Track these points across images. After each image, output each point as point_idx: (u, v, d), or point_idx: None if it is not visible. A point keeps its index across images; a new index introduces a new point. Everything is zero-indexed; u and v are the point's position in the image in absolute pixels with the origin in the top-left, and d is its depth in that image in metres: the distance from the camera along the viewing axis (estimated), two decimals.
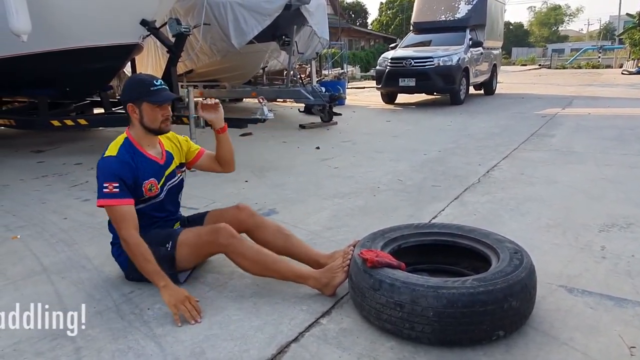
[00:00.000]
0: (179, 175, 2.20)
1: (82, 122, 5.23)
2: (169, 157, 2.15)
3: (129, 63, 6.76)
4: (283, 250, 2.11)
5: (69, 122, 5.16)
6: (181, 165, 2.22)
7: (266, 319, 1.78)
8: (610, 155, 4.48)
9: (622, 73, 19.97)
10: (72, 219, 3.00)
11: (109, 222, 2.10)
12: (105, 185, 1.88)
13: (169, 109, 2.05)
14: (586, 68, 28.03)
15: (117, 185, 1.89)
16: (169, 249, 1.99)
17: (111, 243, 2.15)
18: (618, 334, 1.64)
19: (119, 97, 7.79)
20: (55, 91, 5.54)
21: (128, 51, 5.21)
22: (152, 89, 1.97)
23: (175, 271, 2.02)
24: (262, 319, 1.78)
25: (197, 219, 2.24)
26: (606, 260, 2.23)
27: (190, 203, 3.23)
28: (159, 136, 2.11)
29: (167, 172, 2.12)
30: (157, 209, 2.12)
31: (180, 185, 2.23)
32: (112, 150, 1.97)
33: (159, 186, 2.07)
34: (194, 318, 1.76)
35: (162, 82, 2.02)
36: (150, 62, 8.38)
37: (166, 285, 1.83)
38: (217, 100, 2.16)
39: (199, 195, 3.45)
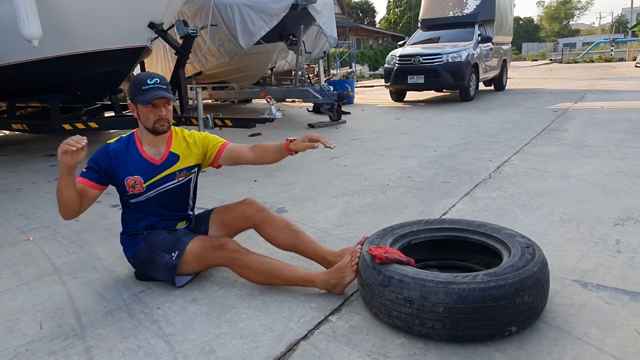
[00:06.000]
0: (181, 178, 2.10)
1: (93, 125, 5.28)
2: (171, 159, 2.06)
3: (139, 66, 6.82)
4: (291, 246, 2.09)
5: (80, 126, 5.21)
6: (189, 168, 2.12)
7: (275, 317, 1.77)
8: (624, 148, 4.40)
9: (636, 66, 19.61)
10: (83, 221, 3.02)
11: (122, 215, 2.14)
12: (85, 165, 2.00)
13: (163, 109, 1.96)
14: (599, 62, 27.60)
15: (86, 167, 2.00)
16: (174, 258, 1.97)
17: (121, 233, 2.16)
18: (634, 329, 1.60)
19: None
20: (66, 96, 5.61)
21: (137, 54, 5.25)
22: (143, 87, 1.93)
23: (173, 278, 2.01)
24: (271, 317, 1.78)
25: (204, 217, 2.22)
26: (621, 254, 2.18)
27: (199, 203, 3.22)
28: (163, 135, 2.04)
29: (162, 174, 2.05)
30: (144, 209, 2.07)
31: (183, 188, 2.13)
32: (112, 139, 2.07)
33: (144, 185, 2.02)
34: (77, 142, 1.73)
35: (159, 81, 1.95)
36: (160, 64, 8.46)
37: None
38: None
39: (208, 195, 3.46)
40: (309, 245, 2.08)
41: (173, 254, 1.97)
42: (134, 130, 2.10)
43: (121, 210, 2.16)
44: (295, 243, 2.07)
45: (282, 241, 2.09)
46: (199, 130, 5.03)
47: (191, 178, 2.16)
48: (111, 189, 2.10)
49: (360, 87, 14.49)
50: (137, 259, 2.06)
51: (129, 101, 2.06)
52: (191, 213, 2.26)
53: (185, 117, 5.51)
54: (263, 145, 2.16)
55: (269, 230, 2.10)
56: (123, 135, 2.09)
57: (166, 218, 2.13)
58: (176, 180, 2.10)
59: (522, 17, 61.23)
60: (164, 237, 2.04)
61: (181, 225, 2.19)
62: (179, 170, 2.09)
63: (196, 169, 2.17)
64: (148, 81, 1.94)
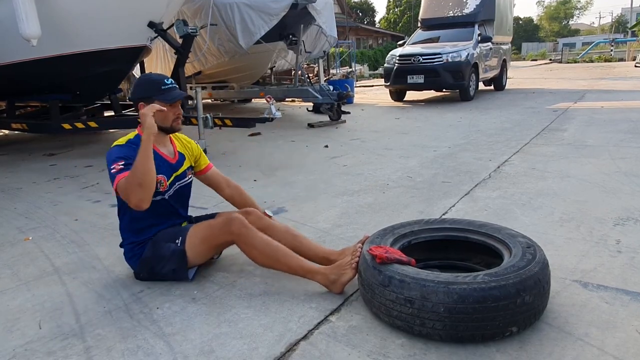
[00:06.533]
0: (189, 176, 2.23)
1: (92, 124, 5.28)
2: (181, 158, 2.19)
3: (138, 65, 6.81)
4: (292, 249, 2.09)
5: (80, 125, 5.21)
6: (191, 167, 2.26)
7: (275, 317, 1.77)
8: (624, 148, 4.40)
9: (636, 66, 19.61)
10: (83, 220, 3.03)
11: (120, 224, 2.12)
12: (112, 167, 1.90)
13: (180, 107, 2.08)
14: (598, 61, 27.59)
15: (122, 162, 1.90)
16: (179, 244, 2.01)
17: (121, 245, 2.15)
18: (635, 329, 1.59)
19: (129, 99, 7.90)
20: (66, 95, 5.61)
21: (136, 54, 5.25)
22: (162, 87, 2.01)
23: (185, 268, 2.02)
24: (271, 317, 1.77)
25: (205, 219, 2.24)
26: (622, 254, 2.18)
27: (199, 202, 3.24)
28: (170, 136, 2.16)
29: (177, 172, 2.15)
30: (165, 207, 2.12)
31: (190, 187, 2.26)
32: (121, 141, 2.03)
33: (167, 183, 2.09)
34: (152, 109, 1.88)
35: (173, 81, 2.07)
36: (159, 64, 8.45)
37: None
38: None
39: (208, 194, 3.43)
40: (309, 248, 2.10)
41: (177, 241, 2.01)
42: (135, 131, 2.09)
43: (123, 218, 2.09)
44: (296, 245, 2.09)
45: (284, 245, 2.10)
46: (199, 130, 5.06)
47: (192, 178, 2.28)
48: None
49: (360, 86, 14.48)
50: (144, 261, 2.05)
51: (137, 101, 2.02)
52: (189, 214, 2.33)
53: (185, 117, 5.50)
54: (242, 194, 2.36)
55: (270, 235, 2.12)
56: (124, 138, 2.05)
57: (177, 218, 2.19)
58: (187, 179, 2.21)
59: (521, 17, 61.23)
60: (167, 231, 2.08)
61: (184, 225, 2.23)
62: (187, 168, 2.20)
63: (194, 171, 2.30)
64: (165, 81, 2.03)
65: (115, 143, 2.03)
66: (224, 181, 2.35)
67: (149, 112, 1.88)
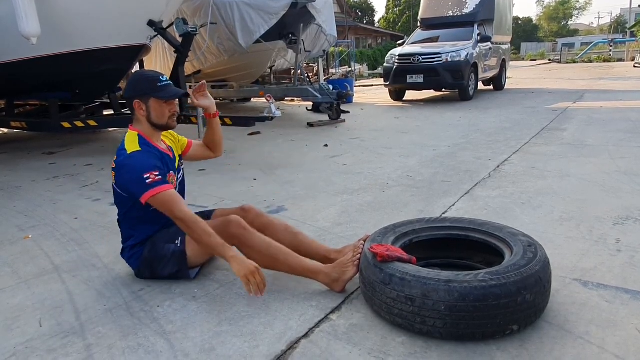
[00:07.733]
0: (182, 167, 2.24)
1: (92, 123, 5.28)
2: (174, 153, 2.18)
3: (138, 64, 6.80)
4: (292, 247, 2.08)
5: (79, 124, 5.21)
6: (180, 158, 2.25)
7: (276, 315, 1.77)
8: (624, 148, 4.40)
9: (635, 66, 19.64)
10: (82, 219, 3.02)
11: (119, 222, 2.11)
12: (146, 176, 1.84)
13: (175, 105, 2.06)
14: (597, 62, 27.62)
15: (157, 173, 1.87)
16: (178, 244, 2.00)
17: (122, 249, 2.11)
18: (635, 328, 1.60)
19: (123, 97, 7.88)
20: (65, 94, 5.60)
21: (136, 52, 5.24)
22: (159, 85, 1.97)
23: (186, 268, 2.02)
24: (271, 315, 1.77)
25: (203, 218, 2.23)
26: (621, 253, 2.18)
27: (199, 201, 3.24)
28: (159, 132, 2.10)
29: (176, 166, 2.15)
30: None
31: (184, 178, 2.25)
32: (133, 146, 1.94)
33: (176, 179, 2.09)
34: (260, 292, 1.76)
35: (167, 78, 2.03)
36: (159, 62, 8.44)
37: (234, 256, 1.80)
38: (203, 82, 2.22)
39: (208, 193, 3.46)
40: (309, 246, 2.10)
41: (176, 241, 2.00)
42: (134, 131, 2.02)
43: (127, 220, 2.06)
44: (295, 244, 2.08)
45: (282, 243, 2.09)
46: (199, 129, 5.05)
47: (183, 173, 2.27)
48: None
49: (359, 86, 14.48)
50: (145, 261, 2.03)
51: (132, 99, 1.99)
52: None
53: (184, 116, 5.50)
54: (215, 138, 2.33)
55: (269, 234, 2.11)
56: (131, 141, 1.97)
57: None
58: (181, 171, 2.22)
59: (521, 16, 61.22)
60: (166, 231, 2.06)
61: None
62: (179, 161, 2.21)
63: (182, 159, 2.29)
64: (161, 78, 1.99)
65: (129, 149, 1.93)
66: (203, 144, 2.34)
67: (253, 277, 1.76)
